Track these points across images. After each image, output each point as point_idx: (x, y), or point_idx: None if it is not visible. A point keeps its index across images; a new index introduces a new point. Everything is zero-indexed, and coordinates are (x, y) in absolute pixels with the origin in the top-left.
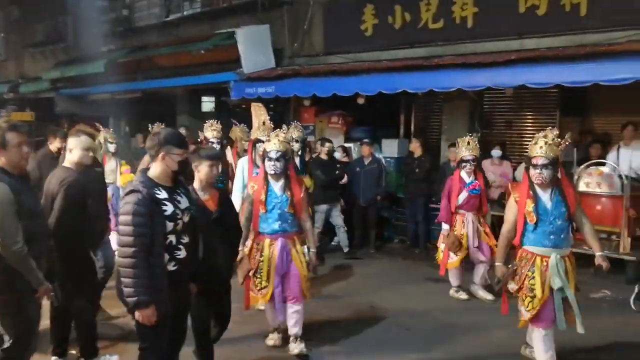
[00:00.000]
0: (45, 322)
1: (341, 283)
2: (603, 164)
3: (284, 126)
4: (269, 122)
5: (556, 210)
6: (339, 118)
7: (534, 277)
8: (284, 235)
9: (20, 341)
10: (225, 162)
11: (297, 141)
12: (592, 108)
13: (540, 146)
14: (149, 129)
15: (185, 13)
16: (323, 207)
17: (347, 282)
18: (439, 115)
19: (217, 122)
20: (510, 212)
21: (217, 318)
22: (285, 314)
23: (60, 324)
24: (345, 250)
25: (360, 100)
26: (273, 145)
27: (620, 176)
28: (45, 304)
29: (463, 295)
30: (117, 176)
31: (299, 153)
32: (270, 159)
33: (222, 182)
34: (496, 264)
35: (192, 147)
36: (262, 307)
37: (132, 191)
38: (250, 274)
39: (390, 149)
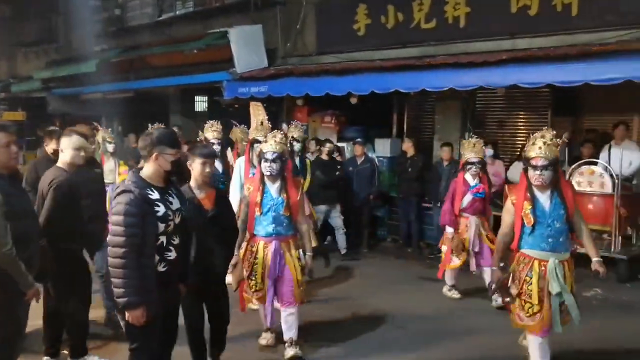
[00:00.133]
0: (37, 322)
1: (337, 283)
2: (595, 163)
3: (284, 125)
4: (267, 122)
5: (554, 213)
6: (331, 117)
7: (532, 283)
8: (278, 239)
9: (10, 342)
10: (227, 163)
11: (297, 141)
12: (584, 108)
13: (539, 147)
14: (149, 128)
15: (177, 13)
16: (322, 208)
17: (343, 283)
18: (432, 114)
19: (218, 122)
20: (507, 215)
21: (213, 319)
22: (278, 316)
23: (52, 324)
24: (343, 252)
25: (353, 100)
26: (269, 146)
27: (611, 175)
28: (38, 304)
29: (456, 295)
30: (116, 176)
31: (299, 153)
32: (266, 160)
33: (223, 182)
34: (492, 268)
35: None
36: (255, 307)
37: (124, 191)
38: (245, 275)
39: (382, 148)
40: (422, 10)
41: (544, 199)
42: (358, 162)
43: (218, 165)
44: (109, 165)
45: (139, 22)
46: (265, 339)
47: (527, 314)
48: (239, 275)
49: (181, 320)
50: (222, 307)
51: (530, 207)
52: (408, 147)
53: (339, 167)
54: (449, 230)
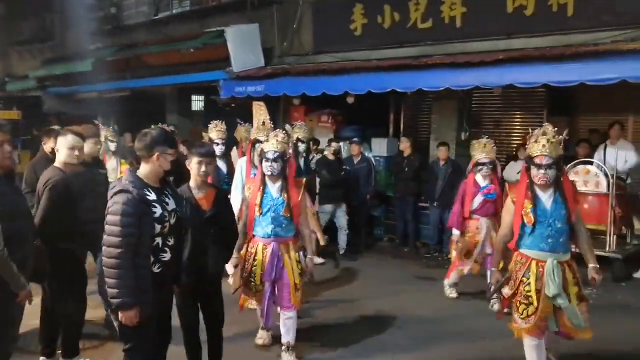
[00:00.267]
0: (34, 322)
1: (336, 283)
2: (590, 163)
3: (288, 126)
4: (269, 122)
5: (556, 212)
6: (328, 117)
7: (529, 284)
8: (277, 240)
9: (3, 342)
10: (231, 164)
11: (302, 142)
12: (579, 107)
13: (543, 144)
14: (151, 128)
15: (174, 11)
16: (328, 207)
17: (342, 283)
18: (428, 114)
19: (222, 122)
20: (507, 214)
21: (208, 319)
22: (276, 316)
23: (49, 324)
24: (342, 251)
25: (350, 100)
26: (271, 145)
27: (606, 175)
28: (36, 303)
29: (453, 294)
30: (117, 175)
31: (304, 154)
32: (267, 160)
33: (227, 183)
34: (491, 269)
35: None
36: (253, 307)
37: (121, 191)
38: (244, 278)
39: (379, 147)
40: (419, 10)
41: (546, 197)
42: (355, 161)
43: (222, 165)
44: (111, 164)
45: (135, 21)
46: (262, 338)
47: (522, 316)
48: (239, 279)
49: (176, 320)
50: (215, 307)
51: (531, 205)
52: (405, 146)
53: (344, 166)
54: (455, 232)
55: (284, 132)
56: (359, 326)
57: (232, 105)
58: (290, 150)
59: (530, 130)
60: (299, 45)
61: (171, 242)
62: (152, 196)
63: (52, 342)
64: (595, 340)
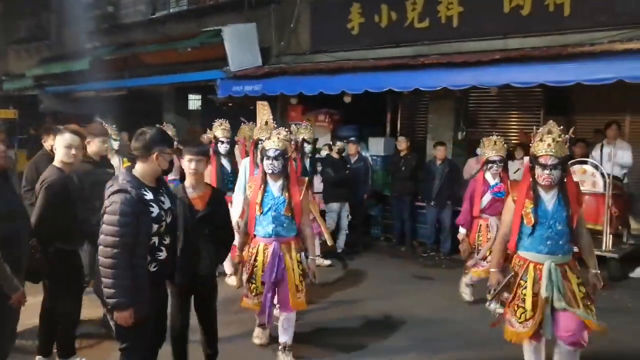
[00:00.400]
0: (32, 321)
1: (335, 284)
2: (586, 163)
3: (293, 126)
4: (272, 121)
5: (557, 214)
6: (325, 116)
7: (526, 287)
8: (278, 240)
9: (1, 341)
10: (235, 163)
11: (308, 142)
12: (576, 107)
13: (549, 144)
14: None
15: (171, 10)
16: (334, 206)
17: (341, 283)
18: (425, 113)
19: (226, 121)
20: (508, 214)
21: (200, 320)
22: (274, 317)
23: (47, 323)
24: (339, 250)
25: (347, 99)
26: (272, 143)
27: (603, 175)
28: (35, 303)
29: (467, 297)
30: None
31: (310, 155)
32: (268, 157)
33: (232, 182)
34: (491, 270)
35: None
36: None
37: (119, 190)
38: (244, 278)
39: (376, 147)
40: (416, 9)
41: (548, 198)
42: (352, 160)
43: (227, 164)
44: (113, 162)
45: (133, 20)
46: (259, 337)
47: (519, 320)
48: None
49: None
50: (208, 307)
51: (532, 206)
52: (402, 146)
53: (348, 165)
54: (462, 231)
55: (287, 130)
56: (359, 327)
57: (230, 104)
58: (293, 149)
59: (534, 129)
60: (297, 44)
61: (167, 241)
62: (149, 196)
63: (49, 342)
64: (591, 339)
